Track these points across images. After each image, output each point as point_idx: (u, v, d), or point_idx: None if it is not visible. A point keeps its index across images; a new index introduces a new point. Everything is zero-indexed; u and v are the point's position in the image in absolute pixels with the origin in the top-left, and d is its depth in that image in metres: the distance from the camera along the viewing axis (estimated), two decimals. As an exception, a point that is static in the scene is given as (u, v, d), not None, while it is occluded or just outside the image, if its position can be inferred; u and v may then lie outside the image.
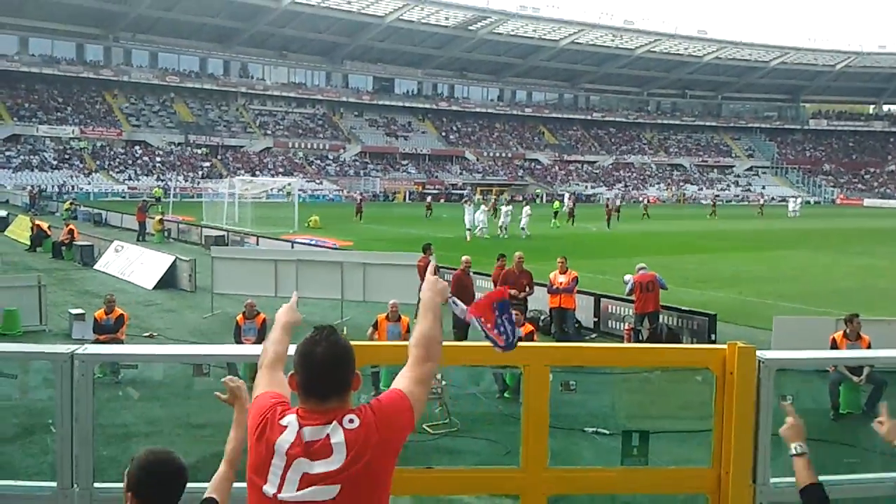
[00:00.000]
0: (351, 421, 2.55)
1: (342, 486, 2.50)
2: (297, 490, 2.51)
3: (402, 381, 2.77)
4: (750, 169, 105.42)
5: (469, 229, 34.89)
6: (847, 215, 63.22)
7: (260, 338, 11.93)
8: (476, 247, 29.45)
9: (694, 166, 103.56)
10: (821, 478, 3.62)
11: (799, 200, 69.85)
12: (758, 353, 4.17)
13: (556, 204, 49.51)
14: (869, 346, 10.44)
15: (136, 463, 2.78)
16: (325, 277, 16.01)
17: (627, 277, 15.12)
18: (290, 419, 2.61)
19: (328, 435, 2.54)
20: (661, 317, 14.71)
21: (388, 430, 2.60)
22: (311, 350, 2.62)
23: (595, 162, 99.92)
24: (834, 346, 10.66)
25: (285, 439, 2.57)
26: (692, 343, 13.50)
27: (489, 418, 9.94)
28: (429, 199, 58.45)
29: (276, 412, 2.66)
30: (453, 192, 77.28)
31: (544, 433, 4.30)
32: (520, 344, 4.08)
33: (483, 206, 40.14)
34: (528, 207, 38.77)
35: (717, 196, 79.23)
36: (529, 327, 11.77)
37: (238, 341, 12.01)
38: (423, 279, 13.77)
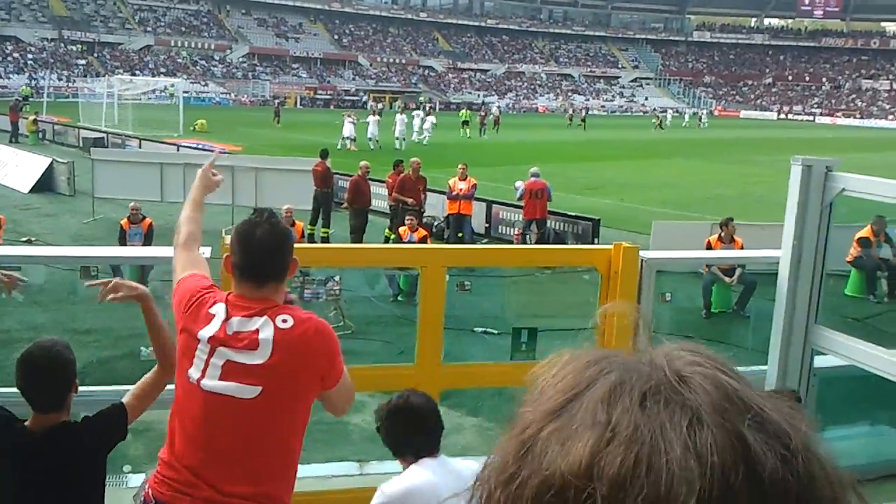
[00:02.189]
0: (284, 321, 2.50)
1: (263, 389, 2.46)
2: (220, 379, 2.48)
3: None
4: (634, 80, 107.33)
5: (370, 138, 34.01)
6: (726, 126, 65.62)
7: (147, 243, 11.59)
8: (372, 154, 29.18)
9: (582, 76, 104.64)
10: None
11: (702, 113, 72.31)
12: (640, 252, 4.34)
13: (464, 113, 48.32)
14: (742, 249, 11.03)
15: (20, 354, 2.74)
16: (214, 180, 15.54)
17: (518, 183, 15.35)
18: (219, 308, 2.55)
19: (257, 329, 2.49)
20: (548, 222, 15.11)
21: (319, 348, 2.55)
22: (250, 232, 2.55)
23: (488, 70, 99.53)
24: (709, 249, 11.20)
25: (210, 329, 2.52)
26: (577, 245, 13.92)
27: (383, 321, 10.06)
28: (380, 105, 58.82)
29: (206, 301, 2.60)
30: (346, 97, 75.69)
31: (439, 331, 4.40)
32: (418, 246, 4.10)
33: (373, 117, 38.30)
34: (403, 116, 37.12)
35: (658, 111, 79.72)
36: (423, 232, 11.87)
37: (123, 246, 11.60)
38: (318, 185, 13.52)
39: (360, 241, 13.62)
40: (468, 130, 44.01)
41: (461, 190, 14.78)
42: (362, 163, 15.01)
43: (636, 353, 0.70)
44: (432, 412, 2.71)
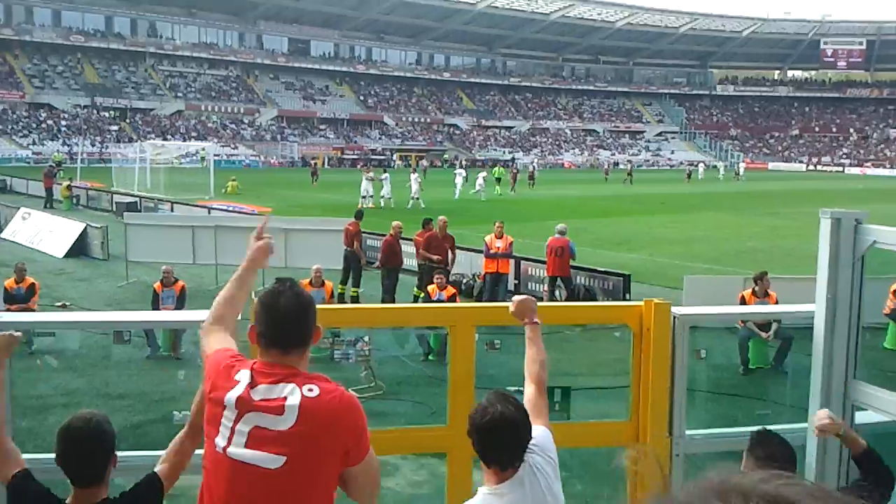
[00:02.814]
0: (311, 390, 2.50)
1: (287, 459, 2.45)
2: (246, 447, 2.47)
3: None
4: (659, 134, 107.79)
5: (383, 196, 34.37)
6: (756, 178, 65.47)
7: (179, 305, 11.71)
8: (391, 213, 29.43)
9: (607, 132, 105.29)
10: (733, 429, 3.80)
11: (740, 166, 72.77)
12: (672, 308, 4.31)
13: (497, 170, 47.78)
14: (776, 304, 10.89)
15: (60, 427, 2.75)
16: (245, 243, 15.69)
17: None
18: (244, 374, 2.57)
19: (284, 396, 2.49)
20: (577, 278, 15.08)
21: (344, 419, 2.54)
22: (273, 301, 2.58)
23: (512, 127, 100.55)
24: (743, 303, 11.07)
25: (236, 393, 2.53)
26: (608, 301, 13.83)
27: (414, 381, 10.02)
28: (424, 163, 63.63)
29: (233, 368, 2.62)
30: (373, 157, 76.67)
31: (470, 391, 4.38)
32: (446, 305, 4.10)
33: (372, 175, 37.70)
34: (416, 175, 36.62)
35: (686, 164, 79.62)
36: (452, 290, 11.88)
37: (156, 309, 11.73)
38: (348, 245, 13.51)
39: (393, 301, 13.64)
40: (499, 188, 43.92)
41: (499, 248, 14.79)
42: (394, 223, 15.07)
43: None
44: (520, 424, 2.74)
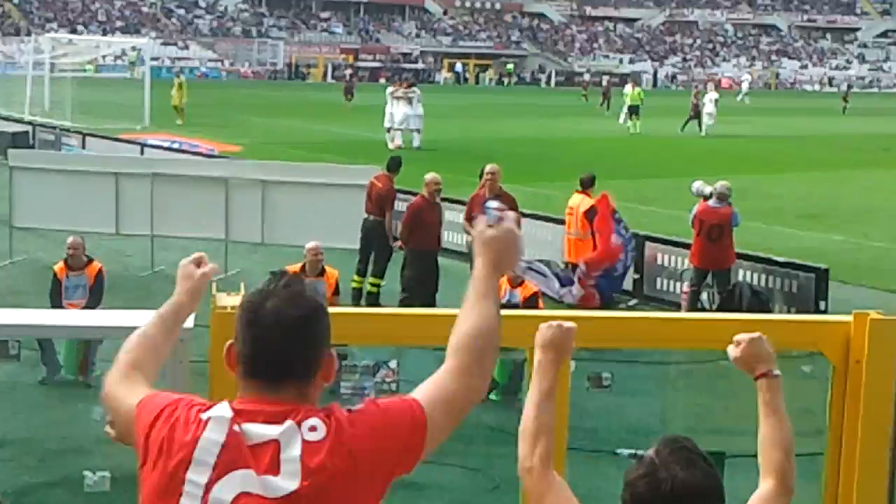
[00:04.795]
0: (313, 429, 2.52)
1: None
2: None
3: (426, 388, 2.84)
4: (883, 34, 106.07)
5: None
6: None
7: (94, 300, 11.87)
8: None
9: (794, 29, 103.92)
10: None
11: None
12: (902, 329, 4.28)
13: (634, 93, 46.70)
14: None
15: None
16: (200, 204, 15.82)
17: (697, 185, 15.36)
18: (218, 412, 2.58)
19: (278, 442, 2.52)
20: (740, 271, 14.95)
21: (369, 453, 2.59)
22: (259, 305, 2.60)
23: (637, 20, 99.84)
24: None
25: (209, 440, 2.55)
26: (790, 313, 13.72)
27: (468, 433, 10.06)
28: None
29: (188, 409, 2.64)
30: (404, 65, 76.73)
31: (560, 453, 4.40)
32: (522, 313, 4.11)
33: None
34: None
35: None
36: (532, 288, 11.85)
37: (57, 305, 11.93)
38: (372, 211, 13.61)
39: (418, 301, 13.28)
40: (637, 122, 44.58)
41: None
42: (428, 176, 14.85)
43: None
44: (713, 499, 2.75)
